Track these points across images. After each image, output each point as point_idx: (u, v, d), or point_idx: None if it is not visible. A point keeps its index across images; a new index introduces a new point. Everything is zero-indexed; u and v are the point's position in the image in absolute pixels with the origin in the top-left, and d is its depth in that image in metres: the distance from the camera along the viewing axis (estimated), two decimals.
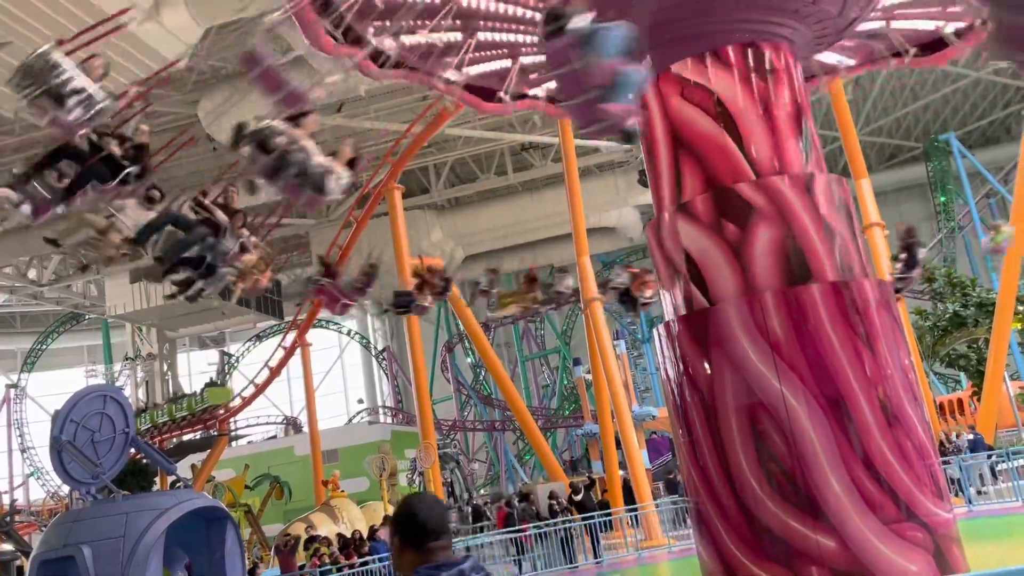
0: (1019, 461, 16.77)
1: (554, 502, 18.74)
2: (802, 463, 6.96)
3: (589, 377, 26.20)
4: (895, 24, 9.85)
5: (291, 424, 47.38)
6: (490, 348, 28.50)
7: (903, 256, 13.59)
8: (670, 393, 8.16)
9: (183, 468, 29.48)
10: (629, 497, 19.34)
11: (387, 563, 14.80)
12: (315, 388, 31.79)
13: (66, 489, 31.41)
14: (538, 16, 8.93)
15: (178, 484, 14.99)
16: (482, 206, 41.33)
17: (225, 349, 54.93)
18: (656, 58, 8.54)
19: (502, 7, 9.03)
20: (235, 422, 39.23)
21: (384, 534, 16.51)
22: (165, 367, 46.95)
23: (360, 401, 55.85)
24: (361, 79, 25.70)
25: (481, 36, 9.47)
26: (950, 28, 10.15)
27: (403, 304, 13.26)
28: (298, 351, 30.38)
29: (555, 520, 16.86)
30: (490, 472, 48.72)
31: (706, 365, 7.57)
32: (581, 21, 5.67)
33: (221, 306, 35.31)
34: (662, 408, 26.91)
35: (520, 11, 9.10)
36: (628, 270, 13.60)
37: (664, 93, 8.50)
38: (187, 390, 51.95)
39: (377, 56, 9.38)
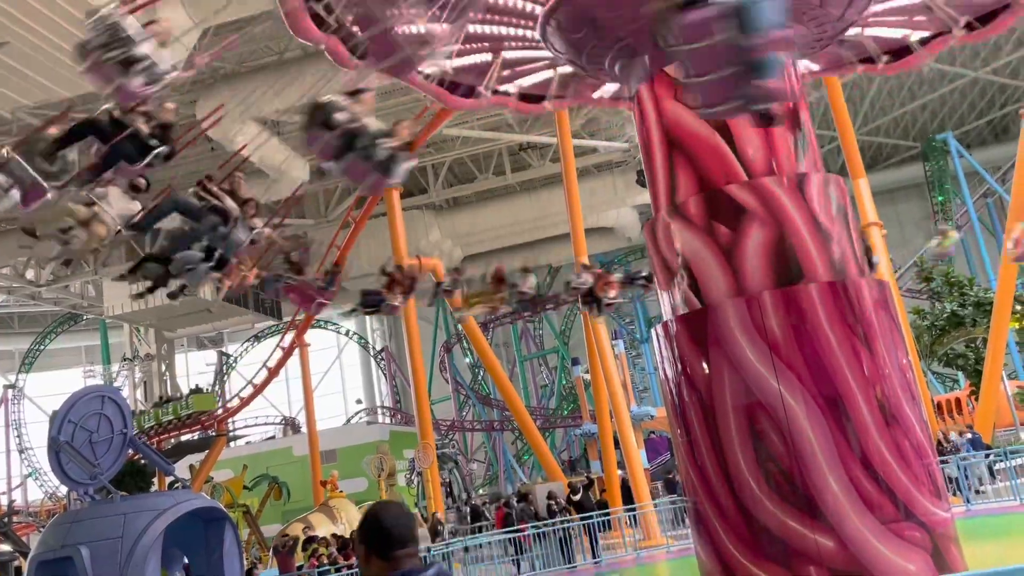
0: (1017, 460, 16.80)
1: (552, 502, 18.73)
2: (800, 463, 6.96)
3: (587, 377, 26.19)
4: (868, 31, 9.87)
5: (289, 424, 47.39)
6: (488, 348, 28.47)
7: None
8: (668, 393, 8.17)
9: (181, 469, 29.47)
10: (627, 497, 19.35)
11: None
12: (313, 388, 31.79)
13: (64, 490, 31.40)
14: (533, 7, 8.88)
15: (176, 485, 14.96)
16: (480, 206, 41.34)
17: (223, 350, 54.90)
18: (650, 60, 8.56)
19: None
20: (233, 422, 39.26)
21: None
22: (163, 368, 46.92)
23: (358, 401, 55.86)
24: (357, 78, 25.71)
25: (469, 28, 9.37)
26: (915, 37, 10.15)
27: (372, 303, 12.41)
28: (296, 351, 30.37)
29: (553, 520, 16.86)
30: (489, 472, 48.72)
31: (704, 365, 7.57)
32: None
33: (209, 304, 35.31)
34: (660, 408, 26.93)
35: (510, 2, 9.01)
36: (591, 271, 13.48)
37: (658, 95, 8.52)
38: (185, 391, 52.03)
39: (352, 44, 9.12)
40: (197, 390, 40.98)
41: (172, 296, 8.94)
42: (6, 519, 26.56)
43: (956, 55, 42.49)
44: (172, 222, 8.44)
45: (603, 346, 20.30)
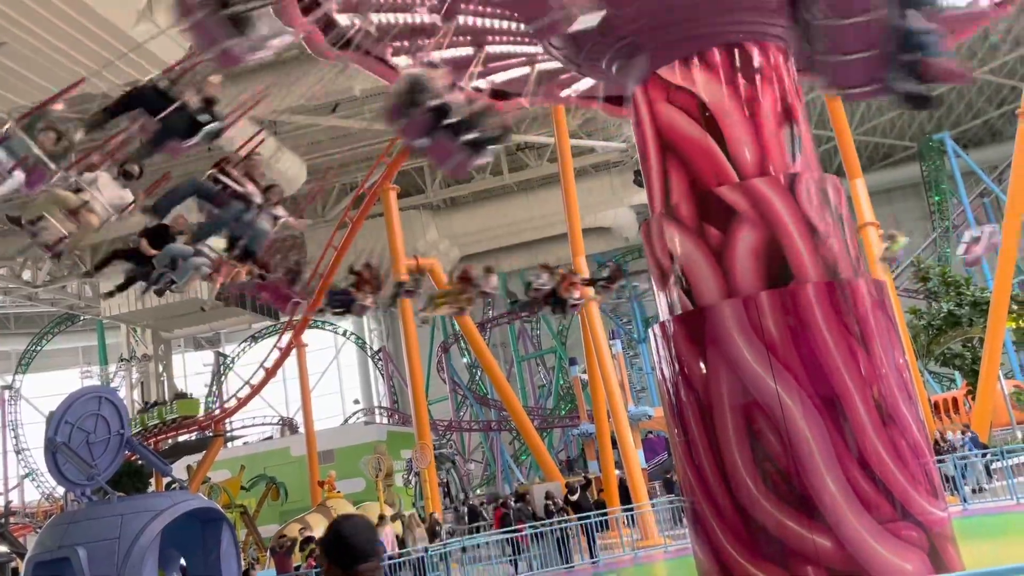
0: (1013, 460, 16.84)
1: (550, 502, 18.75)
2: (797, 462, 6.97)
3: (585, 377, 26.22)
4: None
5: (287, 425, 47.35)
6: (486, 348, 28.47)
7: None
8: (666, 393, 8.17)
9: (179, 469, 29.40)
10: (625, 497, 19.37)
11: (383, 565, 14.79)
12: (311, 389, 31.77)
13: (61, 491, 31.33)
14: None
15: (173, 485, 14.94)
16: (478, 206, 41.34)
17: (220, 350, 54.85)
18: (643, 63, 8.56)
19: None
20: (231, 423, 39.22)
21: (380, 535, 16.51)
22: (160, 368, 46.87)
23: (356, 402, 55.84)
24: (356, 79, 25.70)
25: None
26: None
27: (340, 303, 11.69)
28: (294, 352, 30.35)
29: (551, 520, 16.87)
30: (486, 472, 48.73)
31: (701, 365, 7.57)
32: None
33: (202, 302, 35.30)
34: (658, 408, 26.94)
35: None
36: (552, 271, 13.33)
37: (651, 97, 8.53)
38: (183, 391, 51.96)
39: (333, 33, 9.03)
40: (181, 395, 41.27)
41: (159, 292, 8.52)
42: (3, 520, 26.51)
43: (953, 55, 42.53)
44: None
45: (600, 346, 20.31)
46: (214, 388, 51.55)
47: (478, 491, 43.75)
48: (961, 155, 42.13)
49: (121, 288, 8.12)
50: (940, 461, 13.68)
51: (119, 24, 19.50)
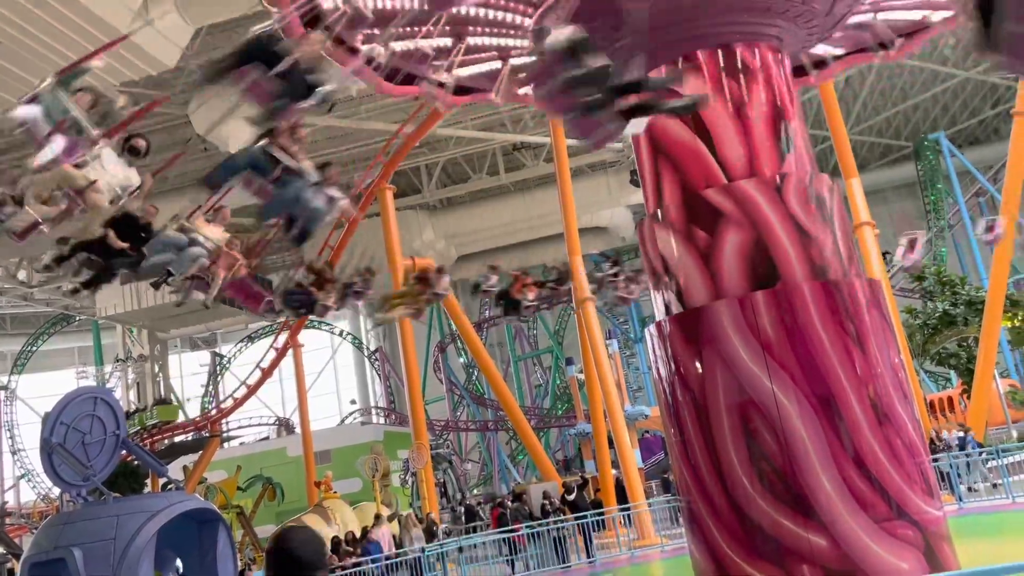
0: (1009, 459, 16.87)
1: (547, 502, 18.76)
2: (793, 462, 6.99)
3: (582, 376, 26.24)
4: (881, 15, 9.83)
5: (283, 425, 47.29)
6: (483, 348, 28.49)
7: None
8: (662, 392, 8.18)
9: (175, 470, 29.36)
10: (622, 496, 19.37)
11: (380, 565, 14.79)
12: (307, 389, 31.74)
13: (57, 491, 31.27)
14: None
15: (169, 486, 14.92)
16: (474, 206, 41.33)
17: (217, 350, 54.77)
18: (633, 66, 8.56)
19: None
20: (227, 423, 39.18)
21: (377, 535, 16.51)
22: (156, 368, 46.79)
23: (353, 402, 55.81)
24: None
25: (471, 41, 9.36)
26: (936, 17, 10.13)
27: (298, 304, 10.56)
28: (290, 352, 30.32)
29: (548, 520, 16.87)
30: (483, 472, 48.72)
31: (698, 364, 7.59)
32: None
33: (205, 298, 35.36)
34: (654, 407, 26.96)
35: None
36: (502, 272, 13.14)
37: None
38: (179, 392, 51.89)
39: (368, 62, 9.09)
40: (161, 401, 41.37)
41: (156, 285, 7.99)
42: None
43: (948, 55, 42.69)
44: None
45: (597, 346, 20.32)
46: (210, 388, 51.50)
47: (475, 491, 43.75)
48: (956, 154, 42.24)
49: (87, 285, 7.46)
50: (935, 460, 13.71)
51: (115, 23, 19.46)
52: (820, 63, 10.86)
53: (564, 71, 5.39)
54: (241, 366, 47.42)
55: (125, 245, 7.05)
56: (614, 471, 21.22)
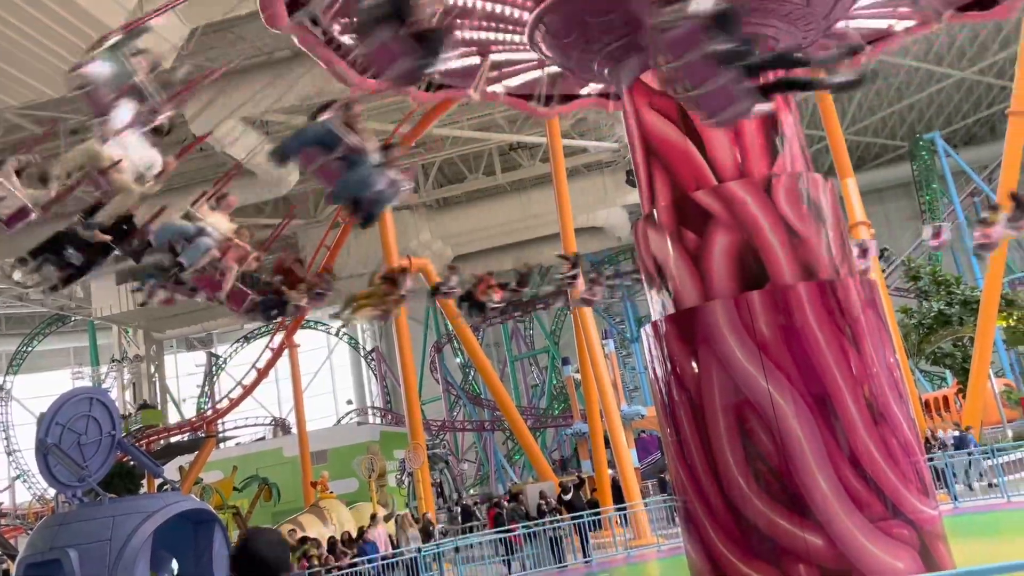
0: (1004, 458, 16.92)
1: (543, 502, 18.77)
2: (789, 461, 6.99)
3: (578, 376, 26.24)
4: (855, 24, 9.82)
5: (279, 425, 47.23)
6: (479, 348, 28.48)
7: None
8: (658, 392, 8.19)
9: (170, 470, 29.34)
10: (618, 496, 19.39)
11: (376, 565, 14.79)
12: (304, 389, 31.69)
13: (52, 492, 31.20)
14: None
15: (165, 487, 14.91)
16: (471, 206, 41.31)
17: (213, 351, 54.70)
18: (627, 69, 8.58)
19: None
20: (223, 424, 39.13)
21: (373, 535, 16.50)
22: (152, 369, 46.70)
23: (349, 402, 55.76)
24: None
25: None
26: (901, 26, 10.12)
27: (269, 305, 9.62)
28: (286, 352, 30.28)
29: (544, 520, 16.88)
30: (479, 472, 48.71)
31: (694, 364, 7.59)
32: None
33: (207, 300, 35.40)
34: (651, 407, 26.98)
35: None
36: (456, 272, 12.96)
37: (636, 103, 8.56)
38: (175, 392, 51.81)
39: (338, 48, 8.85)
40: (145, 405, 41.34)
41: (169, 280, 7.43)
42: None
43: (943, 55, 42.78)
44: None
45: (593, 346, 20.33)
46: (206, 389, 51.43)
47: (471, 491, 43.73)
48: (951, 154, 42.34)
49: (67, 282, 7.03)
50: (930, 459, 13.75)
51: (110, 23, 19.42)
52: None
53: (707, 42, 5.02)
54: (237, 366, 47.40)
55: (107, 238, 6.70)
56: (610, 471, 21.23)
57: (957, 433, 20.53)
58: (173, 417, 47.54)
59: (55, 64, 20.13)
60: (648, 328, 8.37)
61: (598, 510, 18.25)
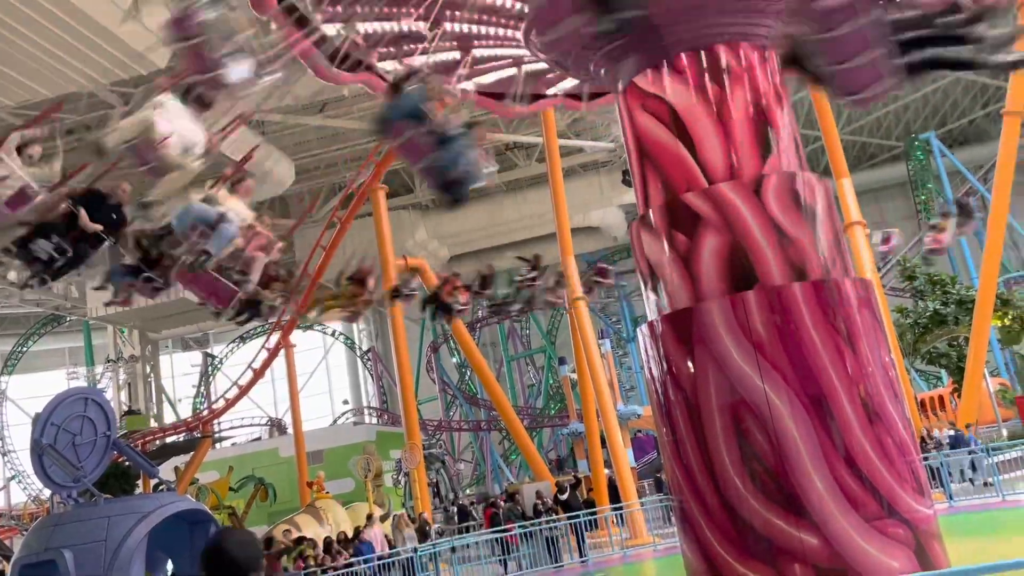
0: (999, 457, 16.97)
1: (539, 502, 18.77)
2: (785, 461, 7.00)
3: (574, 376, 26.24)
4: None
5: (275, 425, 47.17)
6: (475, 348, 28.49)
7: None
8: (654, 392, 8.19)
9: (166, 471, 29.25)
10: (614, 496, 19.40)
11: (372, 565, 14.77)
12: (299, 389, 31.66)
13: (47, 493, 31.13)
14: None
15: (161, 487, 14.86)
16: (467, 206, 41.28)
17: (208, 351, 54.60)
18: (621, 72, 8.59)
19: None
20: (219, 424, 39.07)
21: (369, 535, 16.48)
22: (147, 369, 46.60)
23: (345, 402, 55.72)
24: None
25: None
26: None
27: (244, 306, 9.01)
28: (282, 352, 30.23)
29: (541, 520, 16.88)
30: (476, 472, 48.70)
31: (689, 364, 7.60)
32: None
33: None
34: (647, 407, 27.00)
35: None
36: (414, 274, 12.80)
37: (630, 105, 8.57)
38: (171, 393, 51.71)
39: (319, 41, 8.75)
40: (131, 411, 41.34)
41: (192, 268, 6.99)
42: None
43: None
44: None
45: (590, 345, 20.34)
46: (202, 389, 51.33)
47: (468, 491, 43.71)
48: (947, 154, 42.46)
49: (56, 276, 6.70)
50: (926, 459, 13.77)
51: (105, 23, 19.38)
52: None
53: (873, 11, 4.79)
54: (233, 366, 47.30)
55: (99, 227, 6.46)
56: (607, 470, 21.24)
57: (953, 432, 20.58)
58: (169, 417, 47.48)
59: (50, 64, 20.09)
60: (644, 328, 8.37)
61: (594, 510, 18.26)
